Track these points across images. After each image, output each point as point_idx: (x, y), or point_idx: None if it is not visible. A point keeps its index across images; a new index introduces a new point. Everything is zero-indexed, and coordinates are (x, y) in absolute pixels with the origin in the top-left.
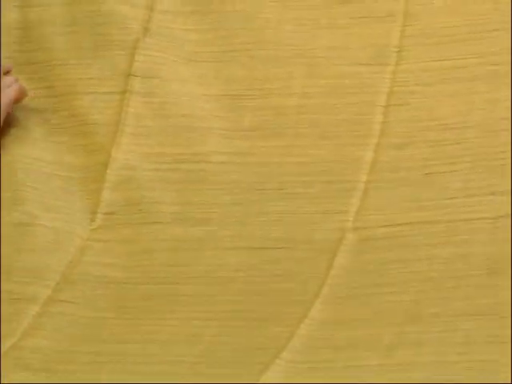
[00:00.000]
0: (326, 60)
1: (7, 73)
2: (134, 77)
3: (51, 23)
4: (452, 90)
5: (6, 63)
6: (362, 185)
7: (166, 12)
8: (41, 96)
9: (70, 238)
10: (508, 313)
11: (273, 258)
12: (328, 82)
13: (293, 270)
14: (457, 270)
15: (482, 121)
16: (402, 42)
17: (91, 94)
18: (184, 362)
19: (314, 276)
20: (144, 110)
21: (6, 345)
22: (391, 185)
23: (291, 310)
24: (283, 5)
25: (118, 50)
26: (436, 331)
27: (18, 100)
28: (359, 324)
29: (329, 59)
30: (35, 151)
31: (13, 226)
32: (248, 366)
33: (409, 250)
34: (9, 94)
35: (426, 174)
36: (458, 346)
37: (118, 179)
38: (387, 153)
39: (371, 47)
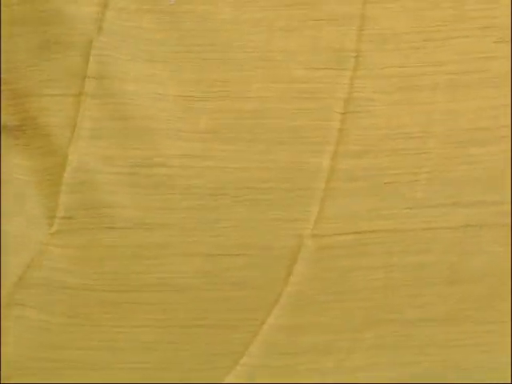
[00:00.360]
0: (282, 63)
1: None
2: (89, 79)
3: (4, 24)
4: (412, 99)
5: None
6: (320, 192)
7: (121, 9)
8: None
9: (28, 242)
10: (469, 318)
11: (231, 265)
12: (285, 86)
13: (251, 276)
14: (415, 278)
15: (442, 131)
16: (359, 47)
17: (46, 97)
18: (142, 368)
19: (272, 283)
20: (101, 113)
21: None
22: (350, 193)
23: (250, 316)
24: (239, 5)
25: (71, 51)
26: (393, 335)
27: None
28: (318, 329)
29: (286, 62)
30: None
31: None
32: (208, 371)
33: (367, 258)
34: None
35: (386, 183)
36: (416, 349)
37: (76, 182)
38: (345, 161)
39: (328, 51)
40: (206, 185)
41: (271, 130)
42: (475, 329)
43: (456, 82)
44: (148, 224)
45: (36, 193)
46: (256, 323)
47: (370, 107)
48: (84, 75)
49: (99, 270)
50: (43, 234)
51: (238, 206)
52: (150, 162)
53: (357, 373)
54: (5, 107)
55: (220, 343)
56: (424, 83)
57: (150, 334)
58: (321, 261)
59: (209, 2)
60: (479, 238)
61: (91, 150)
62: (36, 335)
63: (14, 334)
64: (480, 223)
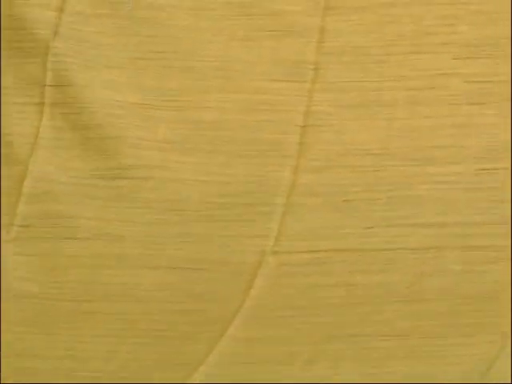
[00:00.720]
0: (242, 74)
1: None
2: (48, 87)
3: None
4: (372, 114)
5: None
6: (280, 208)
7: (78, 14)
8: None
9: None
10: (428, 333)
11: (191, 279)
12: (244, 97)
13: (211, 290)
14: (375, 296)
15: (400, 149)
16: (318, 59)
17: (7, 105)
18: (102, 377)
19: (232, 296)
20: (62, 122)
21: None
22: (310, 209)
23: (209, 328)
24: (199, 13)
25: (29, 58)
26: (354, 348)
27: None
28: (278, 342)
29: (245, 73)
30: None
31: None
32: (167, 379)
33: (328, 276)
34: None
35: (346, 200)
36: (377, 361)
37: (35, 192)
38: (306, 176)
39: (287, 62)
40: (167, 198)
41: (231, 142)
42: (435, 343)
43: (415, 99)
44: (109, 235)
45: None
46: (215, 335)
47: (330, 121)
48: (44, 83)
49: (59, 279)
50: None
51: (199, 221)
52: (110, 174)
53: (319, 379)
54: None
55: (178, 353)
56: (383, 98)
57: (109, 344)
58: (281, 277)
59: (168, 8)
60: (439, 259)
61: (52, 160)
62: None
63: None
64: (441, 245)
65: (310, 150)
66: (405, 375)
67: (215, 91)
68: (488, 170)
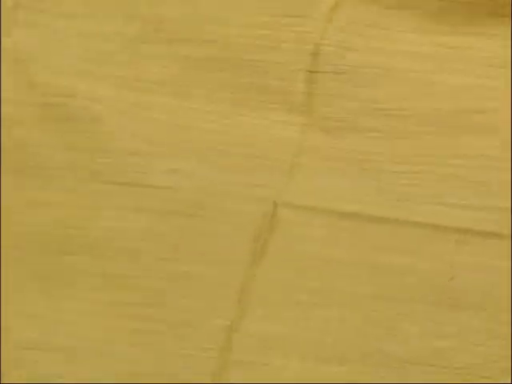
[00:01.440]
0: (243, 7)
1: None
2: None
3: None
4: (390, 65)
5: None
6: (287, 165)
7: None
8: None
9: None
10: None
11: (188, 227)
12: (245, 32)
13: (213, 246)
14: (405, 286)
15: (433, 111)
16: None
17: None
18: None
19: (239, 256)
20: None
21: None
22: (321, 172)
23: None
24: None
25: None
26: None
27: None
28: (287, 341)
29: (246, 8)
30: None
31: None
32: None
33: (347, 250)
34: None
35: (365, 169)
36: None
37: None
38: (317, 137)
39: None
40: (158, 140)
41: (228, 86)
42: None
43: (435, 52)
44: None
45: None
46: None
47: (345, 67)
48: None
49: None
50: None
51: (202, 167)
52: (82, 104)
53: None
54: None
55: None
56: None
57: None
58: (293, 246)
59: None
60: (480, 248)
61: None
62: None
63: None
64: (481, 230)
65: (321, 104)
66: None
67: (211, 23)
68: None
